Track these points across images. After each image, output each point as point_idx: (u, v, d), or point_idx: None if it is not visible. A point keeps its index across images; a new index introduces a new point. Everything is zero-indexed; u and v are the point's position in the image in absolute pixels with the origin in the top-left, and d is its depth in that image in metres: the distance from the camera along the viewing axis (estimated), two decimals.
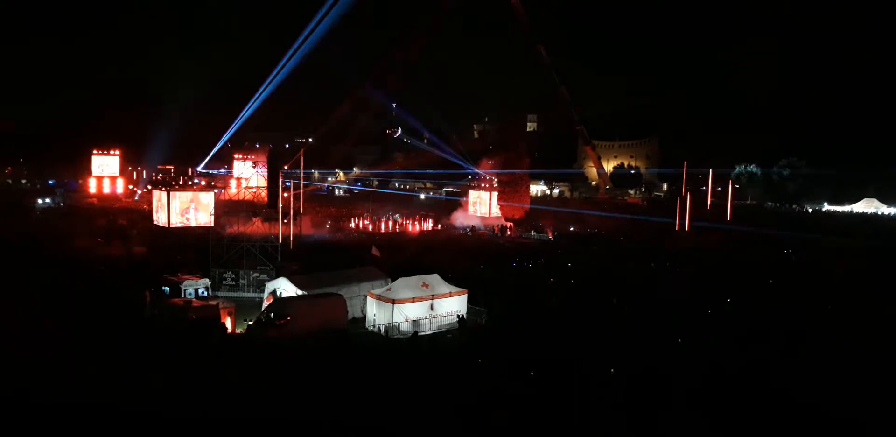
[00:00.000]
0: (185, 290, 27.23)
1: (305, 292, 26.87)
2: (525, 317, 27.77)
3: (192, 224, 47.09)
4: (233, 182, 70.37)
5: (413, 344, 23.87)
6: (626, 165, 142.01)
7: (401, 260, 39.81)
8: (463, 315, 27.95)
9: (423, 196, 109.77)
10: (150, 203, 56.87)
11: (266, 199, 39.60)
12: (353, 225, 65.50)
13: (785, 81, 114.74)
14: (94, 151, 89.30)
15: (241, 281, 33.31)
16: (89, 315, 25.18)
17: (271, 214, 37.62)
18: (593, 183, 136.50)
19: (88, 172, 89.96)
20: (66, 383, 17.84)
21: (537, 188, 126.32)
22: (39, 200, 78.05)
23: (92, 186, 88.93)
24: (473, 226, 66.54)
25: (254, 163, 50.56)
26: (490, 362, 21.17)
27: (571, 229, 66.25)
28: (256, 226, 37.42)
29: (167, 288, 27.59)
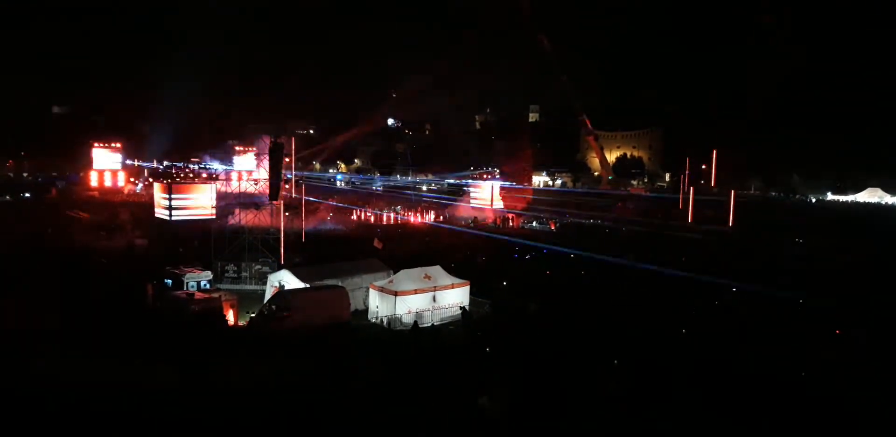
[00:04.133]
0: (187, 282, 27.28)
1: (308, 285, 26.82)
2: (527, 309, 27.70)
3: (194, 217, 47.02)
4: (234, 175, 70.32)
5: (414, 335, 23.81)
6: (628, 156, 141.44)
7: (403, 252, 39.73)
8: (466, 307, 27.90)
9: (425, 187, 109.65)
10: (151, 196, 56.85)
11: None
12: (354, 217, 65.45)
13: (789, 68, 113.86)
14: (95, 144, 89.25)
15: (244, 273, 33.26)
16: (92, 308, 25.15)
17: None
18: (595, 173, 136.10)
19: (90, 165, 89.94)
20: (68, 377, 17.83)
21: (539, 179, 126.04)
22: (27, 194, 78.12)
23: (93, 180, 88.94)
24: (476, 217, 66.46)
25: (256, 155, 50.36)
26: (494, 352, 21.13)
27: (568, 217, 66.19)
28: (259, 218, 37.29)
29: (169, 281, 27.63)
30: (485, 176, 72.37)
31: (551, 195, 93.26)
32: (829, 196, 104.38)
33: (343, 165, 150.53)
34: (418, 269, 27.95)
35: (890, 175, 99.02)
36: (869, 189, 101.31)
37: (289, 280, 27.80)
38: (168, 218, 47.03)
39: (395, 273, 28.50)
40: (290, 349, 21.09)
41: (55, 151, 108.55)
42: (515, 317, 26.71)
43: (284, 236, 36.09)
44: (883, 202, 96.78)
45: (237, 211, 38.64)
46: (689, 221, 65.78)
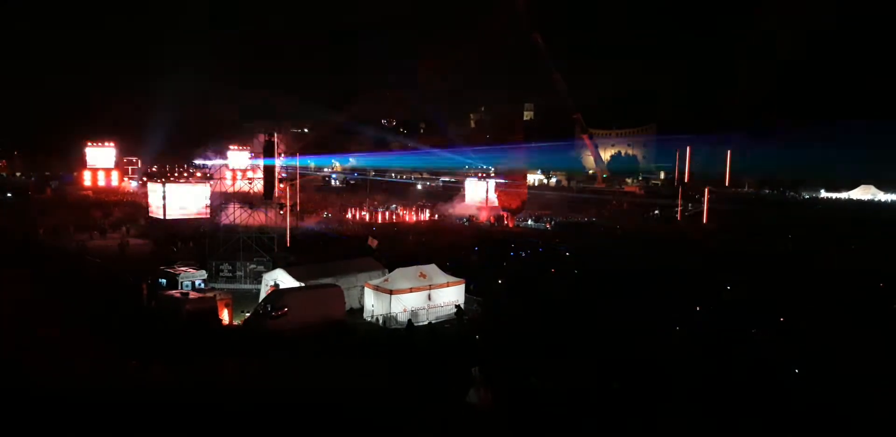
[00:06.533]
0: (181, 282, 27.17)
1: (303, 284, 26.80)
2: (523, 306, 27.74)
3: (188, 216, 46.93)
4: (228, 173, 70.05)
5: (408, 334, 23.82)
6: (623, 154, 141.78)
7: (398, 250, 39.69)
8: (461, 305, 27.93)
9: (420, 186, 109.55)
10: (146, 195, 56.65)
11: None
12: (349, 216, 65.33)
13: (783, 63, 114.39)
14: (88, 143, 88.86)
15: (238, 273, 33.21)
16: (85, 308, 25.06)
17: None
18: (590, 172, 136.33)
19: (83, 164, 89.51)
20: (62, 376, 17.77)
21: (534, 177, 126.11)
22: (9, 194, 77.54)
23: (87, 179, 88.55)
24: (471, 215, 66.46)
25: (250, 153, 50.28)
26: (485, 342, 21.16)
27: (559, 217, 66.29)
28: (254, 217, 37.25)
29: (164, 280, 27.52)
30: (479, 174, 72.29)
31: (546, 193, 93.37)
32: (822, 193, 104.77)
33: (338, 164, 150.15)
34: (413, 267, 27.97)
35: (885, 172, 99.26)
36: (862, 186, 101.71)
37: (284, 279, 27.75)
38: (162, 217, 46.95)
39: (390, 272, 28.54)
40: (286, 349, 21.05)
41: (48, 149, 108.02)
42: (507, 315, 26.72)
43: (278, 236, 36.06)
44: (876, 199, 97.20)
45: (231, 207, 38.48)
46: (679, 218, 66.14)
